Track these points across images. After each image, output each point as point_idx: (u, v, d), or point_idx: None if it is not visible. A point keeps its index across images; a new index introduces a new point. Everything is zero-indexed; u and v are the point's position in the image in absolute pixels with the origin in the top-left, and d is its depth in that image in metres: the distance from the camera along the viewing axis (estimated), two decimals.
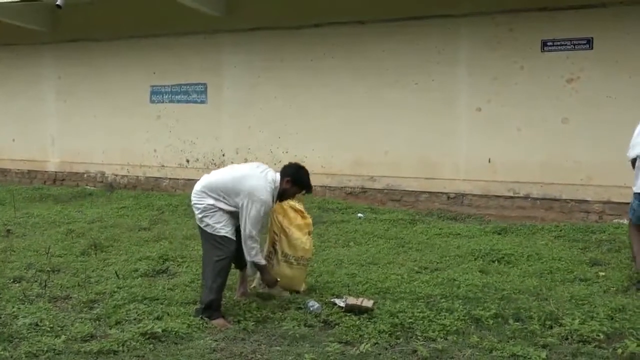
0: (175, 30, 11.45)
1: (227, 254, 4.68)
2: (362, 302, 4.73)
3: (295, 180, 4.80)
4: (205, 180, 4.81)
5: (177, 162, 11.82)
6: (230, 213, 4.69)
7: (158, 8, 11.19)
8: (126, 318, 4.62)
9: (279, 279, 4.96)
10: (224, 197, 4.67)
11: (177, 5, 10.27)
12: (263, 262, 4.81)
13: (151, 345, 4.13)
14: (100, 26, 12.05)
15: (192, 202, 4.81)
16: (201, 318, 4.60)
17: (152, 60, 11.87)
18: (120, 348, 4.05)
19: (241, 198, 4.60)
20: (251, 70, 10.97)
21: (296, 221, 5.18)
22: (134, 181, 12.24)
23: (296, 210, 5.24)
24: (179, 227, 8.18)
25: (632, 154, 5.82)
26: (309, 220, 5.28)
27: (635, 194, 5.65)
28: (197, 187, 4.81)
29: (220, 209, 4.67)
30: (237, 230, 4.76)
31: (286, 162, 5.08)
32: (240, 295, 5.10)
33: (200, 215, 4.73)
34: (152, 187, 11.98)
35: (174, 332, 4.30)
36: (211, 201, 4.68)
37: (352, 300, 4.78)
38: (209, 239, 4.72)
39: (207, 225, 4.69)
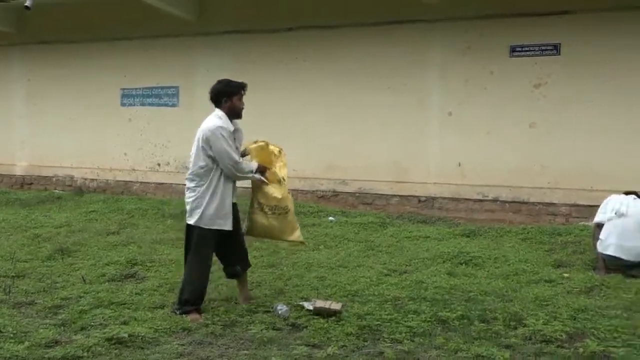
0: (146, 33, 11.37)
1: (204, 252, 4.79)
2: (330, 305, 4.75)
3: (227, 92, 4.86)
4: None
5: (149, 166, 11.73)
6: (217, 200, 4.73)
7: (129, 10, 11.11)
8: (92, 323, 4.57)
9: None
10: (205, 170, 4.73)
11: (149, 8, 10.22)
12: (255, 165, 4.90)
13: (117, 351, 4.09)
14: (70, 28, 11.92)
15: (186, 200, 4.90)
16: (174, 312, 4.76)
17: (123, 62, 11.76)
18: (85, 354, 4.00)
19: (209, 147, 4.69)
20: (223, 73, 10.62)
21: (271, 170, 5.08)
22: (103, 185, 12.10)
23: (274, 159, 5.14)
24: (148, 231, 8.13)
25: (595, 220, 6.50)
26: (274, 170, 5.07)
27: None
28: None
29: (206, 197, 4.71)
30: (226, 238, 4.83)
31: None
32: (243, 301, 5.06)
33: (188, 208, 4.82)
34: (122, 190, 11.86)
35: (140, 337, 4.26)
36: (197, 188, 4.75)
37: (320, 303, 4.79)
38: (193, 235, 4.80)
39: (194, 218, 4.75)
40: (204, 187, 4.75)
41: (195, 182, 4.79)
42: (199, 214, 4.74)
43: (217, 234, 4.80)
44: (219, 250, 4.94)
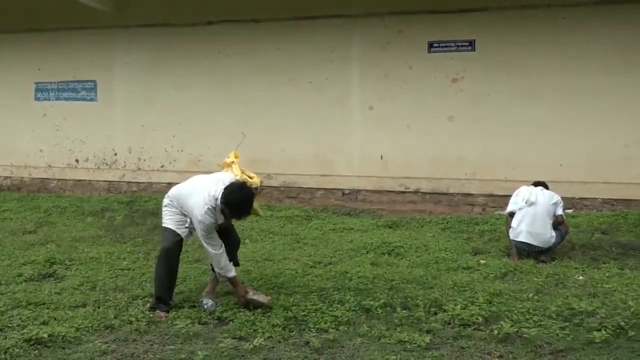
0: (62, 25, 10.97)
1: (165, 246, 4.78)
2: (256, 298, 4.78)
3: (226, 203, 4.55)
4: (172, 190, 4.93)
5: (66, 162, 11.34)
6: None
7: (43, 1, 10.68)
8: (9, 325, 4.41)
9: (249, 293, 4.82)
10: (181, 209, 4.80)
11: None
12: (232, 273, 4.73)
13: (36, 352, 3.97)
14: None
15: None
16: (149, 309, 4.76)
17: (37, 55, 11.32)
18: (3, 356, 3.87)
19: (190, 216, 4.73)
20: (144, 67, 10.71)
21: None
22: (18, 183, 11.61)
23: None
24: (67, 229, 7.89)
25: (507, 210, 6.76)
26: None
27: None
28: (168, 193, 4.95)
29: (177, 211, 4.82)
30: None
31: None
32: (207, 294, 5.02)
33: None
34: (38, 188, 11.41)
35: (61, 337, 4.15)
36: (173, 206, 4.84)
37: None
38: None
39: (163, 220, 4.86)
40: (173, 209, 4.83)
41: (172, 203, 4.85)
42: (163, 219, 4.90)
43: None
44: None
